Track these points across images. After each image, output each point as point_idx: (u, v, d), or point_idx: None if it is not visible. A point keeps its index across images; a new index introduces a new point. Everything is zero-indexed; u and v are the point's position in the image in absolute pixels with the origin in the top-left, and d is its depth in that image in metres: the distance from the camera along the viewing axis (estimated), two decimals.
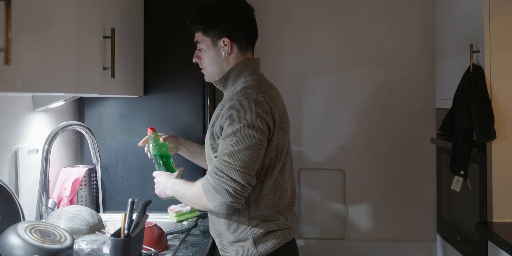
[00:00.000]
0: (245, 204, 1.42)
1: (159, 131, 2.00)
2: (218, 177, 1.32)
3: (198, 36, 1.52)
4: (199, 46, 1.52)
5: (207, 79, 1.57)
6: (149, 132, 1.72)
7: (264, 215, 1.44)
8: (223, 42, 1.47)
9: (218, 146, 1.41)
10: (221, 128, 1.39)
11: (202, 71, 1.56)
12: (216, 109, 1.50)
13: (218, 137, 1.41)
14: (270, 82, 1.53)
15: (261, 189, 1.43)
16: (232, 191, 1.31)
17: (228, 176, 1.31)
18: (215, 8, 1.47)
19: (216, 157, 1.37)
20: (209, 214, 1.56)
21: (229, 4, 1.48)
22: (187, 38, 1.69)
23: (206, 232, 1.69)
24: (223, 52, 1.48)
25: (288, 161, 1.52)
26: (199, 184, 1.39)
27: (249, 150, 1.32)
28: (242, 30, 1.48)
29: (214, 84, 1.55)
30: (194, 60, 1.56)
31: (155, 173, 1.65)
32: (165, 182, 1.57)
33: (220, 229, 1.49)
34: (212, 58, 1.50)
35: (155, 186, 1.62)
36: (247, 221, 1.44)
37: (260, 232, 1.43)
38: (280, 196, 1.47)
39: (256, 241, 1.43)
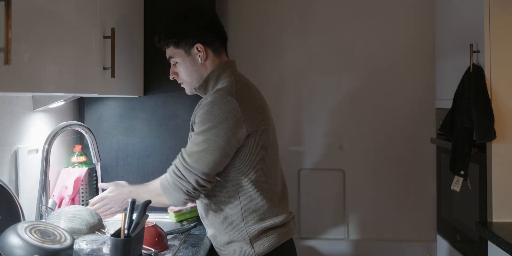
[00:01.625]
0: (236, 203, 1.44)
1: (159, 131, 2.01)
2: (175, 176, 1.40)
3: (170, 51, 1.54)
4: (173, 60, 1.55)
5: (189, 92, 1.58)
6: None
7: (257, 213, 1.44)
8: (197, 48, 1.49)
9: None
10: (193, 127, 1.44)
11: (182, 86, 1.59)
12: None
13: None
14: (248, 82, 1.53)
15: (251, 187, 1.43)
16: (185, 191, 1.39)
17: (183, 176, 1.38)
18: (179, 19, 1.51)
19: (181, 152, 1.42)
20: (202, 219, 1.55)
21: (191, 12, 1.52)
22: None
23: (206, 232, 1.69)
24: (199, 58, 1.50)
25: (275, 156, 1.53)
26: (158, 182, 1.46)
27: (207, 154, 1.37)
28: (212, 33, 1.51)
29: (195, 91, 1.55)
30: (171, 77, 1.58)
31: (95, 199, 1.61)
32: (120, 196, 1.57)
33: (215, 231, 1.49)
34: (189, 68, 1.52)
35: (104, 207, 1.59)
36: (241, 221, 1.43)
37: (256, 230, 1.43)
38: (271, 193, 1.47)
39: (253, 240, 1.43)
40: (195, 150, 1.38)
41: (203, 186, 1.39)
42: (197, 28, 1.49)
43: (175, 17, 1.53)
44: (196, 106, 1.48)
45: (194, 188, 1.38)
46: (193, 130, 1.44)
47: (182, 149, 1.42)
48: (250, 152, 1.42)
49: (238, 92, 1.42)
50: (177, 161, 1.41)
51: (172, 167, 1.43)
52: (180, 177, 1.39)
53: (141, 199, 1.47)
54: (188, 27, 1.49)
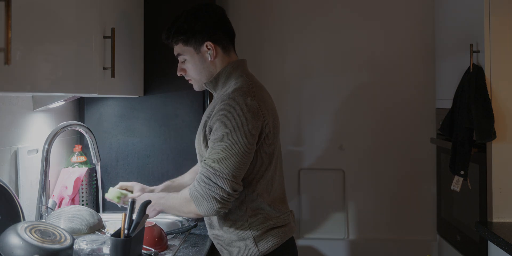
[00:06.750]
0: (240, 204, 1.44)
1: (159, 131, 2.01)
2: (205, 184, 1.34)
3: (179, 48, 1.51)
4: (181, 58, 1.52)
5: (197, 88, 1.56)
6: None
7: (261, 213, 1.45)
8: (206, 46, 1.47)
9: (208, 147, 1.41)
10: (211, 129, 1.39)
11: (190, 82, 1.56)
12: (207, 109, 1.50)
13: (208, 138, 1.41)
14: (260, 83, 1.53)
15: (255, 189, 1.44)
16: (219, 198, 1.33)
17: (215, 183, 1.32)
18: (189, 16, 1.48)
19: (204, 161, 1.37)
20: (205, 218, 1.55)
21: (201, 9, 1.49)
22: None
23: (206, 232, 1.69)
24: (209, 56, 1.47)
25: (279, 159, 1.54)
26: (187, 191, 1.40)
27: (236, 157, 1.33)
28: (221, 31, 1.49)
29: (204, 86, 1.55)
30: (179, 74, 1.55)
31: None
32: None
33: (219, 231, 1.49)
34: (198, 65, 1.50)
35: None
36: (245, 221, 1.44)
37: (260, 230, 1.44)
38: (273, 193, 1.49)
39: (257, 240, 1.43)
40: (224, 156, 1.33)
41: (236, 191, 1.35)
42: (207, 26, 1.47)
43: (185, 14, 1.49)
44: (208, 107, 1.46)
45: (229, 194, 1.33)
46: (207, 129, 1.41)
47: (206, 158, 1.36)
48: (262, 155, 1.42)
49: (255, 93, 1.42)
50: (204, 170, 1.35)
51: (200, 177, 1.36)
52: (211, 185, 1.33)
53: (168, 207, 1.46)
54: (198, 25, 1.46)
